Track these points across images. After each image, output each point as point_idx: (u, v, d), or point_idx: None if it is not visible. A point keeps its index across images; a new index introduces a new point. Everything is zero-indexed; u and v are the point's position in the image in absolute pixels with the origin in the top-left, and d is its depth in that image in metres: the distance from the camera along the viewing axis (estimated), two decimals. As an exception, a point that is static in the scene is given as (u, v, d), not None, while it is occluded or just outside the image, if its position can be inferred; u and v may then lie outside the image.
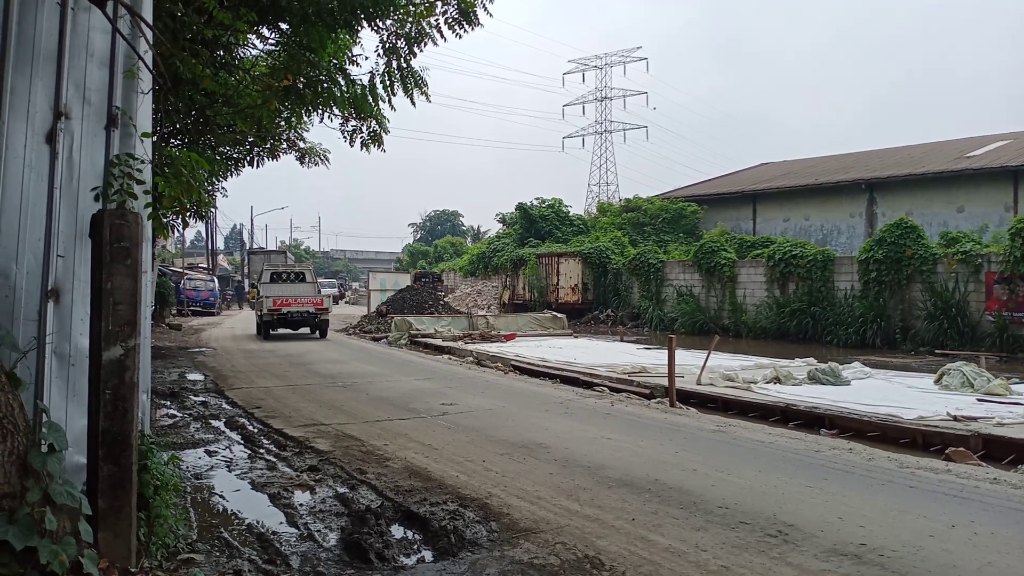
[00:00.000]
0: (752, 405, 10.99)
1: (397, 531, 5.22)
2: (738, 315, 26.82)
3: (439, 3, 9.53)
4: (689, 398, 11.59)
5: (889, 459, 7.28)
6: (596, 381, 13.25)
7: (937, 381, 12.44)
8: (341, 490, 6.19)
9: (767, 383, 12.49)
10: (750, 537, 4.97)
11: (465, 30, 9.56)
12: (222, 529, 5.25)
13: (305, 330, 21.67)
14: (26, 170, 4.67)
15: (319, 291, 25.72)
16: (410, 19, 10.25)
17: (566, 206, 43.21)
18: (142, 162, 4.84)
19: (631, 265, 31.76)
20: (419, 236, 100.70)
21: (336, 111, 12.09)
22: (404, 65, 10.51)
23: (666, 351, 11.80)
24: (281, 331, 23.11)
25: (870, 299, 22.83)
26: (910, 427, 9.13)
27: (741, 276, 27.37)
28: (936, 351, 19.83)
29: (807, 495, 5.96)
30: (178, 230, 24.88)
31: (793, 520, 5.30)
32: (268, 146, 15.65)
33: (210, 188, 16.34)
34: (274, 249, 73.70)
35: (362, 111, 11.66)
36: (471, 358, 17.75)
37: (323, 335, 22.78)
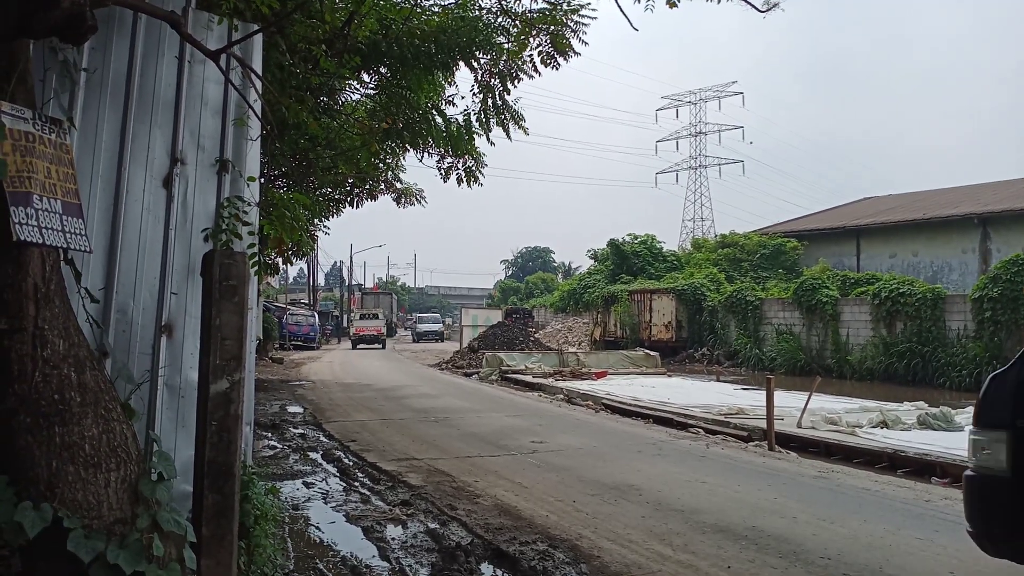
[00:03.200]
0: (857, 450, 10.51)
1: (487, 569, 5.22)
2: (841, 355, 25.79)
3: (532, 40, 9.71)
4: (789, 442, 11.18)
5: (1009, 512, 6.81)
6: (691, 422, 12.96)
7: (1063, 429, 11.58)
8: (432, 525, 6.24)
9: (873, 427, 11.92)
10: (854, 591, 4.73)
11: (558, 64, 9.68)
12: (317, 560, 5.37)
13: (377, 347, 30.44)
14: (144, 212, 5.00)
15: (384, 322, 41.40)
16: (504, 56, 10.50)
17: (659, 242, 42.84)
18: (249, 204, 5.10)
19: (727, 302, 31.08)
20: (510, 272, 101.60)
21: (432, 149, 12.42)
22: (499, 102, 10.72)
23: (764, 392, 11.46)
24: (378, 367, 24.29)
25: (985, 339, 21.56)
26: (1033, 478, 8.52)
27: (844, 314, 26.35)
28: (1061, 396, 18.50)
29: (916, 548, 5.63)
30: (281, 268, 25.85)
31: (899, 574, 5.01)
32: (367, 187, 16.19)
33: (311, 228, 17.00)
34: (372, 290, 76.47)
35: (458, 148, 11.94)
36: (561, 395, 17.67)
37: (383, 346, 37.96)
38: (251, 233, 5.14)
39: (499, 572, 5.17)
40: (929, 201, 36.20)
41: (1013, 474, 3.98)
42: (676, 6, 6.67)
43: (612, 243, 42.26)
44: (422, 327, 55.61)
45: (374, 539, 5.99)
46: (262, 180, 7.75)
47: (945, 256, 31.11)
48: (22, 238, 3.18)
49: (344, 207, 16.93)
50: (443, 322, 59.66)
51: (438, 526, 6.21)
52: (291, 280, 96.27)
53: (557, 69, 10.06)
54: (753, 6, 6.24)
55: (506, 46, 10.36)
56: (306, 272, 63.67)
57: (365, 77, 12.10)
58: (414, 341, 52.79)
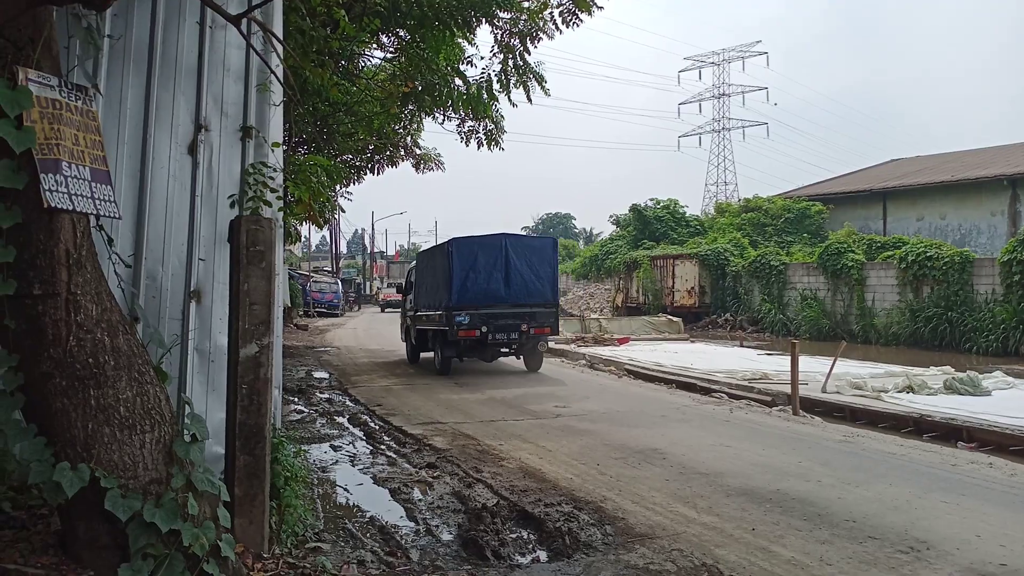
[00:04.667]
0: (882, 415, 10.47)
1: (512, 530, 5.29)
2: (867, 320, 25.56)
3: None
4: (814, 406, 11.16)
5: (1037, 476, 6.77)
6: (714, 387, 12.96)
7: (1093, 393, 11.46)
8: (458, 487, 6.32)
9: (899, 392, 11.86)
10: (879, 553, 4.74)
11: (580, 21, 9.54)
12: (346, 521, 5.47)
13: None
14: (170, 180, 5.04)
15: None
16: (524, 15, 10.37)
17: (682, 207, 42.44)
18: (274, 170, 5.11)
19: (751, 267, 30.83)
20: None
21: (452, 112, 12.35)
22: (520, 62, 10.61)
23: (788, 357, 11.41)
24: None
25: (1013, 304, 21.24)
26: (1061, 442, 8.46)
27: (870, 279, 26.06)
28: (1092, 360, 18.26)
29: (942, 511, 5.63)
30: (304, 235, 25.93)
31: (926, 536, 5.02)
32: (387, 153, 16.18)
33: (333, 195, 17.05)
34: (395, 258, 76.13)
35: (478, 111, 11.86)
36: (584, 361, 17.72)
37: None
38: (279, 198, 5.16)
39: (525, 533, 5.24)
40: (958, 163, 35.50)
41: None
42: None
43: (634, 208, 41.95)
44: None
45: (401, 501, 6.08)
46: (284, 147, 7.76)
47: (974, 219, 30.59)
48: (53, 205, 3.22)
49: (365, 174, 16.98)
50: None
51: (464, 488, 6.29)
52: (314, 248, 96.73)
53: (578, 27, 9.93)
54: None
55: (526, 4, 10.23)
56: (328, 240, 64.00)
57: (384, 40, 12.02)
58: None
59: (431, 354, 15.38)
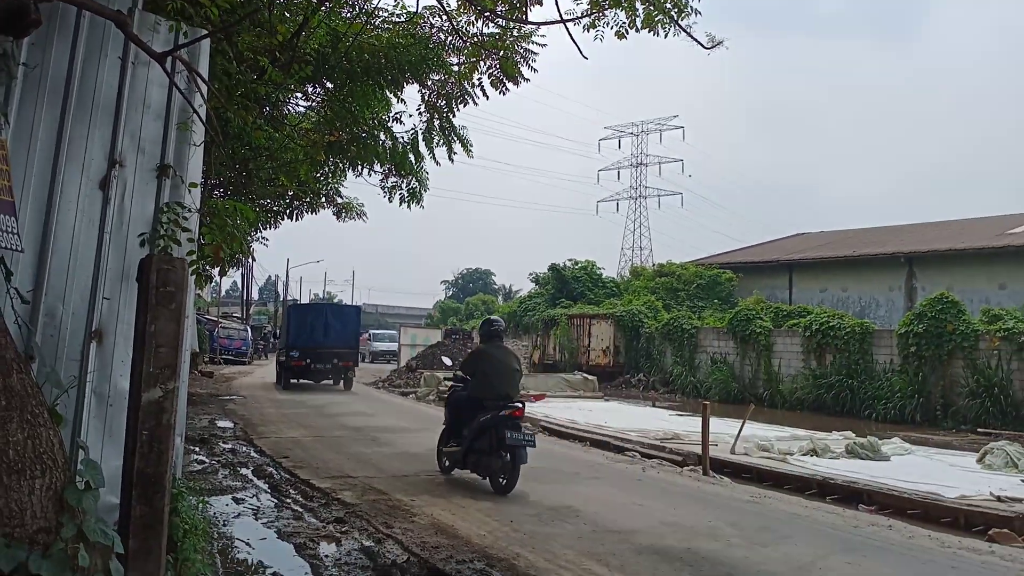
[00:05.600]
0: (788, 477, 10.76)
1: (421, 589, 5.16)
2: (774, 385, 26.41)
3: (482, 63, 9.79)
4: (723, 467, 11.38)
5: (930, 538, 7.06)
6: (627, 446, 13.09)
7: (980, 460, 12.08)
8: (367, 543, 6.15)
9: (803, 455, 12.23)
10: (784, 612, 4.82)
11: (507, 88, 9.76)
12: (246, 578, 5.24)
13: (329, 382, 24.45)
14: (78, 215, 4.85)
15: None
16: (452, 78, 10.55)
17: (599, 268, 43.27)
18: (189, 211, 5.00)
19: (664, 330, 31.55)
20: (451, 293, 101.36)
21: (377, 168, 12.35)
22: (446, 125, 10.75)
23: (699, 418, 11.65)
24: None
25: (910, 374, 22.36)
26: (952, 506, 8.86)
27: (777, 345, 27.02)
28: (978, 430, 19.26)
29: (846, 571, 5.78)
30: (215, 280, 25.34)
31: (830, 597, 5.14)
32: (308, 200, 16.01)
33: (249, 239, 16.70)
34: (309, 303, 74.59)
35: (402, 168, 11.91)
36: (500, 417, 17.64)
37: None
38: (190, 240, 5.04)
39: (434, 592, 5.12)
40: (859, 239, 37.55)
41: None
42: (625, 37, 6.84)
43: (553, 267, 42.61)
44: (378, 345, 49.44)
45: (307, 556, 5.87)
46: (202, 188, 7.60)
47: (873, 292, 32.27)
48: (-49, 232, 3.06)
49: (283, 219, 16.70)
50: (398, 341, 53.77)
51: (373, 544, 6.13)
52: (223, 293, 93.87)
53: (505, 94, 10.14)
54: (698, 42, 6.44)
55: (455, 68, 10.42)
56: (240, 285, 62.42)
57: (311, 90, 12.02)
58: (368, 361, 47.65)
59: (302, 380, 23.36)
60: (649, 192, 74.68)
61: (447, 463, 9.34)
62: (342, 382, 23.54)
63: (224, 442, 11.72)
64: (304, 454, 10.65)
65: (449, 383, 10.26)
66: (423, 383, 24.02)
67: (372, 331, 60.30)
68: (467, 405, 8.99)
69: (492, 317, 9.94)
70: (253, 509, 7.45)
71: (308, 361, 22.69)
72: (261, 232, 17.62)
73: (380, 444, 11.89)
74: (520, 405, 8.67)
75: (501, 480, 8.38)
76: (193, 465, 9.51)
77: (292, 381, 23.39)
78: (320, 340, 22.95)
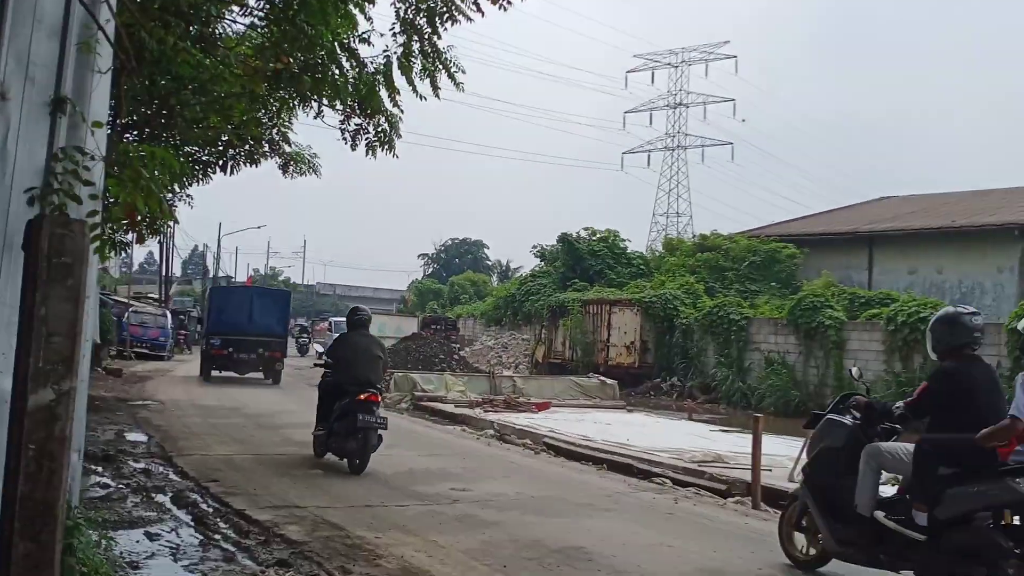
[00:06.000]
0: (861, 512, 10.80)
1: (389, 652, 5.19)
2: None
3: None
4: (779, 499, 11.40)
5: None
6: (655, 470, 13.13)
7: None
8: (318, 594, 6.18)
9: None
10: None
11: (508, 1, 9.67)
12: (162, 636, 5.26)
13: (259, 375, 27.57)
14: (-56, 163, 4.83)
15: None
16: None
17: (623, 240, 43.40)
18: (92, 158, 4.97)
19: (706, 320, 31.63)
20: (431, 271, 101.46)
21: (338, 106, 12.28)
22: (428, 49, 10.65)
23: (749, 436, 11.69)
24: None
25: (1023, 379, 22.41)
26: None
27: (851, 342, 27.10)
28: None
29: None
30: (127, 249, 25.37)
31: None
32: (246, 148, 15.94)
33: (171, 197, 16.66)
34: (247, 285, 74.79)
35: (370, 105, 11.84)
36: (492, 431, 17.70)
37: None
38: (93, 197, 5.02)
39: (405, 655, 5.15)
40: (960, 206, 37.44)
41: None
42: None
43: (564, 239, 42.67)
44: None
45: (240, 609, 5.90)
46: (110, 129, 7.56)
47: (976, 274, 32.28)
48: None
49: (214, 171, 16.65)
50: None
51: (326, 594, 6.15)
52: (136, 268, 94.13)
53: (506, 8, 10.06)
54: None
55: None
56: (158, 257, 62.47)
57: (252, 2, 11.91)
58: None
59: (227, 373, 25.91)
60: (690, 141, 74.86)
61: (319, 449, 11.84)
62: (270, 374, 26.95)
63: (135, 460, 11.75)
64: (238, 477, 10.67)
65: (321, 367, 12.72)
66: (394, 387, 24.05)
67: (332, 318, 60.33)
68: (333, 391, 11.65)
69: (358, 306, 13.04)
70: (171, 548, 7.47)
71: (230, 350, 26.16)
72: (186, 188, 17.58)
73: (338, 466, 11.92)
74: (377, 391, 11.44)
75: (356, 462, 10.93)
76: (95, 490, 9.52)
77: (214, 373, 26.75)
78: (244, 327, 26.38)
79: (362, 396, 11.06)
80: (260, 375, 26.99)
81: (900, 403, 7.13)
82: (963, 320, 6.81)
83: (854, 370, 9.02)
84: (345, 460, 11.21)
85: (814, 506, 7.27)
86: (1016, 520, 5.87)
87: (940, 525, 6.20)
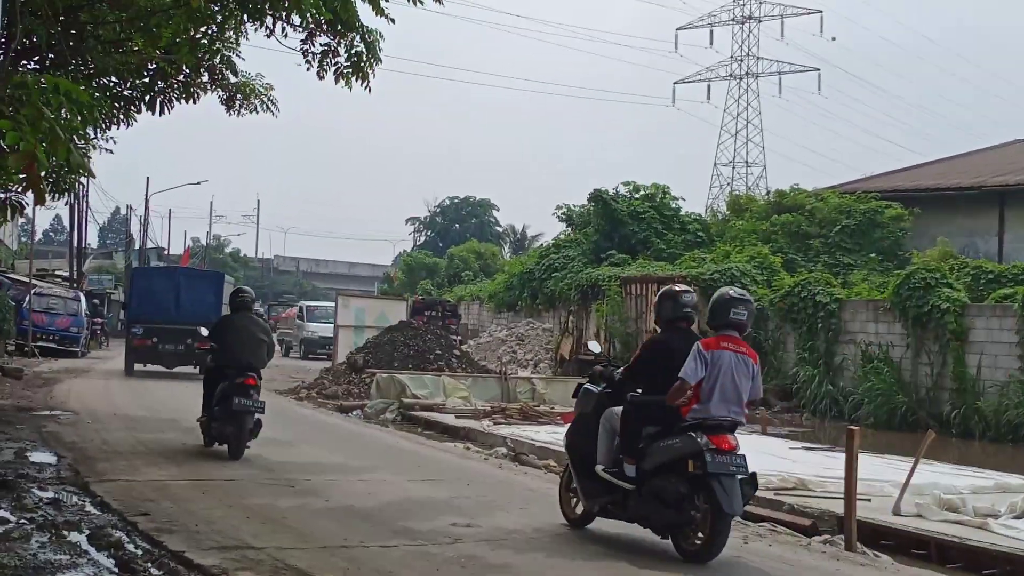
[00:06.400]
0: (990, 555, 10.77)
1: None
2: (968, 398, 26.35)
3: None
4: (880, 537, 11.41)
5: None
6: (718, 499, 13.12)
7: None
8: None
9: (1016, 518, 12.26)
10: None
11: None
12: None
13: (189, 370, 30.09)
14: None
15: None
16: None
17: (675, 199, 43.19)
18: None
19: (784, 304, 31.48)
20: (424, 239, 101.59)
21: (298, 20, 12.28)
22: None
23: (841, 454, 11.63)
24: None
25: None
26: None
27: (976, 330, 26.91)
28: None
29: None
30: (25, 214, 25.41)
31: None
32: (180, 79, 15.91)
33: (84, 145, 16.66)
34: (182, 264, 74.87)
35: (342, 18, 11.84)
36: (504, 449, 17.74)
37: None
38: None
39: None
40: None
41: None
42: None
43: (598, 196, 42.42)
44: (317, 330, 50.68)
45: None
46: (2, 56, 7.55)
47: None
48: None
49: (138, 110, 16.65)
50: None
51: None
52: (40, 237, 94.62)
53: None
54: None
55: None
56: (67, 224, 62.63)
57: None
58: (300, 355, 50.37)
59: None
60: (763, 67, 74.42)
61: (206, 437, 14.73)
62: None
63: (41, 488, 11.79)
64: (175, 509, 10.71)
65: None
66: (376, 391, 24.12)
67: (306, 303, 60.16)
68: (215, 375, 14.46)
69: (241, 287, 16.42)
70: (89, 601, 7.51)
71: (154, 340, 29.52)
72: (103, 132, 17.62)
73: (302, 493, 11.97)
74: (254, 374, 14.13)
75: (234, 447, 13.90)
76: (-11, 525, 9.58)
77: (138, 367, 30.28)
78: (171, 314, 29.80)
79: (239, 380, 13.78)
80: (191, 369, 29.02)
81: (620, 370, 10.23)
82: (678, 298, 10.14)
83: (592, 344, 13.93)
84: (226, 447, 14.14)
85: (572, 467, 10.38)
86: (696, 469, 8.75)
87: (645, 476, 9.20)
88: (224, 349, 14.45)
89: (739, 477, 8.91)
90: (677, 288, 10.46)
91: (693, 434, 8.93)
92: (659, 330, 10.41)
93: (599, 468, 9.61)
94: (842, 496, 11.20)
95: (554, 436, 18.97)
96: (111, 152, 19.39)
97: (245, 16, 13.29)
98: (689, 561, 8.83)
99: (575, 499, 10.32)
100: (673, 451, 9.03)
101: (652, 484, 9.09)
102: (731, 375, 9.24)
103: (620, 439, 9.61)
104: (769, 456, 17.54)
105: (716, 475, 8.70)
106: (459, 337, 38.39)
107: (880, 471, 14.69)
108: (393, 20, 12.93)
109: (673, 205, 42.65)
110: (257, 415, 13.87)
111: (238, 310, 15.12)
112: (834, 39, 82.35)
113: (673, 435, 9.11)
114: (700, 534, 8.87)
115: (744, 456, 9.21)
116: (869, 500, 12.21)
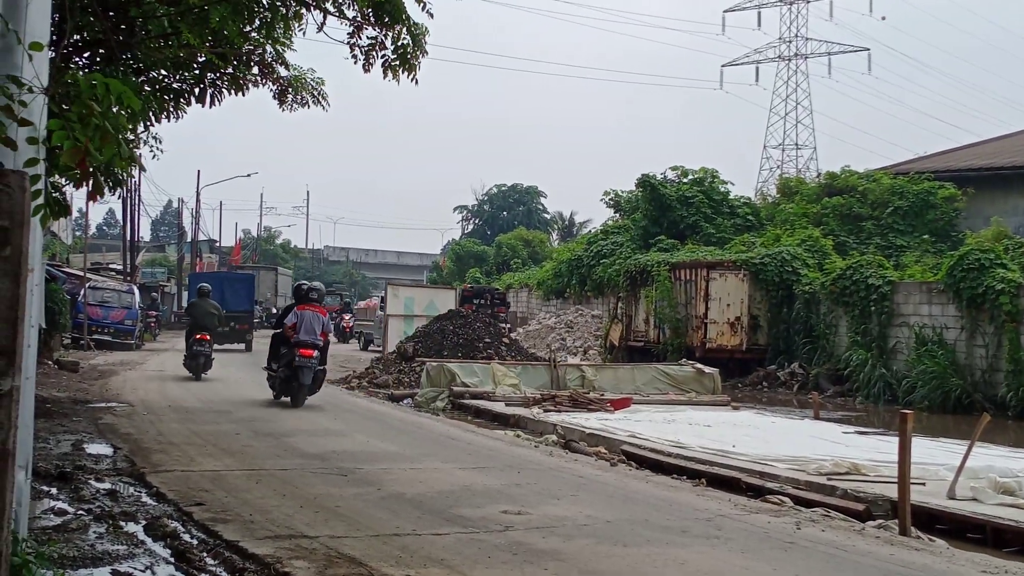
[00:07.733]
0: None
1: None
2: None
3: None
4: (935, 522, 11.33)
5: None
6: (771, 485, 13.08)
7: None
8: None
9: None
10: None
11: None
12: None
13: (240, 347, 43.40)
14: None
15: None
16: None
17: (724, 183, 42.96)
18: (30, 91, 5.03)
19: (836, 287, 31.28)
20: (472, 228, 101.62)
21: (347, 12, 12.28)
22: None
23: (894, 439, 11.55)
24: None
25: None
26: None
27: (1032, 313, 26.65)
28: None
29: None
30: (79, 208, 25.54)
31: None
32: (230, 71, 15.96)
33: (133, 139, 16.77)
34: (234, 258, 75.42)
35: (387, 9, 11.85)
36: (554, 436, 17.74)
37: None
38: (32, 140, 5.08)
39: None
40: None
41: None
42: None
43: (645, 183, 42.32)
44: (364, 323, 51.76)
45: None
46: (52, 53, 7.62)
47: None
48: None
49: (188, 103, 16.72)
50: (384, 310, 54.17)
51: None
52: (93, 231, 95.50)
53: None
54: None
55: None
56: (120, 217, 63.19)
57: None
58: (361, 347, 49.67)
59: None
60: (813, 47, 73.81)
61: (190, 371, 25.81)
62: (243, 343, 43.26)
63: (98, 479, 11.91)
64: (230, 499, 10.79)
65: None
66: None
67: (382, 292, 59.70)
68: (187, 334, 26.57)
69: (204, 283, 31.01)
70: (146, 589, 7.59)
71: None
72: (153, 127, 17.73)
73: (354, 482, 12.03)
74: (208, 331, 26.00)
75: (200, 376, 25.50)
76: (47, 517, 9.69)
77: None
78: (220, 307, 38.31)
79: (197, 335, 25.72)
80: (238, 346, 42.43)
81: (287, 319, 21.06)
82: (301, 288, 21.50)
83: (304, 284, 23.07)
84: (290, 399, 20.17)
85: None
86: (294, 363, 19.92)
87: (279, 368, 20.71)
88: (193, 320, 26.63)
89: (311, 368, 19.35)
90: (312, 284, 21.02)
91: (293, 348, 19.32)
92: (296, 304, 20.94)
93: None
94: (896, 480, 11.13)
95: (604, 423, 19.01)
96: (161, 151, 19.57)
97: (294, 9, 13.35)
98: (294, 407, 19.57)
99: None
100: (288, 356, 19.58)
101: (280, 371, 20.08)
102: (309, 321, 19.67)
103: (270, 352, 21.29)
104: (822, 441, 17.48)
105: (299, 367, 19.18)
106: (508, 325, 38.37)
107: (934, 455, 14.59)
108: (432, 14, 12.97)
109: (722, 189, 42.43)
110: (211, 357, 26.50)
111: (201, 297, 27.32)
112: (884, 18, 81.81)
113: (288, 347, 19.63)
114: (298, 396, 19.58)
115: (316, 358, 19.57)
116: (923, 484, 12.13)
